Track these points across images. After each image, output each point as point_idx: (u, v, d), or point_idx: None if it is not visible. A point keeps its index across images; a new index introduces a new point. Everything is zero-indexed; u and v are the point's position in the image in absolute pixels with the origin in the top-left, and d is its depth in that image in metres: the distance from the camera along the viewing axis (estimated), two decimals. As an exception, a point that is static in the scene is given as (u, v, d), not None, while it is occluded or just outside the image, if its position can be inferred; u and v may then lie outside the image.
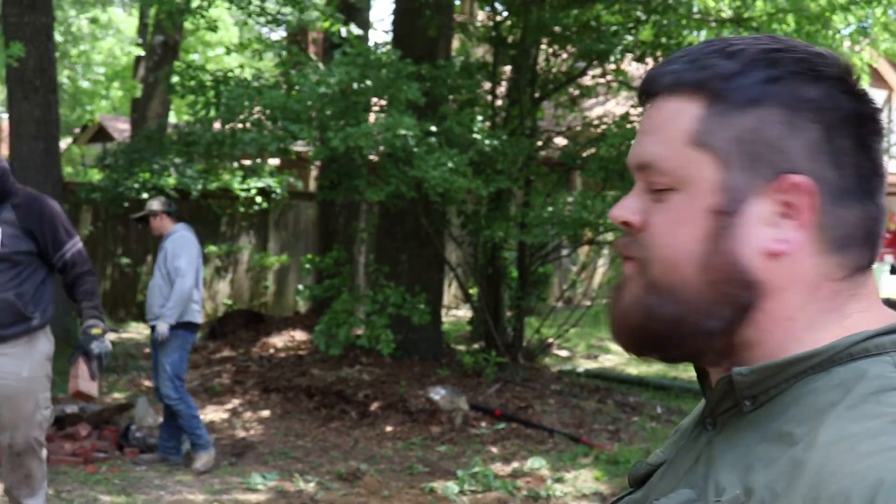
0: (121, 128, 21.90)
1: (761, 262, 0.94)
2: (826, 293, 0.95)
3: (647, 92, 1.01)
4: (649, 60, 9.62)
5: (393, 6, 10.33)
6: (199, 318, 7.07)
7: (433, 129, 8.44)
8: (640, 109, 10.02)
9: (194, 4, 9.84)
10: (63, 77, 21.22)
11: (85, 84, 23.41)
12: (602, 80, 10.50)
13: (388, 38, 10.60)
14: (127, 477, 6.76)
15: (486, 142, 8.81)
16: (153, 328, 6.93)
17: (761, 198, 0.94)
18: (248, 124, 8.78)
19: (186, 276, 6.77)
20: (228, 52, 11.97)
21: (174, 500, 6.20)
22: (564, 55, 10.25)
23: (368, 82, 8.16)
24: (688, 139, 0.97)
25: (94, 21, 22.91)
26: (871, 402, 0.86)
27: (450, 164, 8.03)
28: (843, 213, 0.94)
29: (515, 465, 7.28)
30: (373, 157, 8.75)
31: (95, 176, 13.03)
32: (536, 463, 7.22)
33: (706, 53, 0.98)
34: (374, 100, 8.78)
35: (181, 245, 6.89)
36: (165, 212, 7.00)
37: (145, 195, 12.12)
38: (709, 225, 0.95)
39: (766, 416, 0.92)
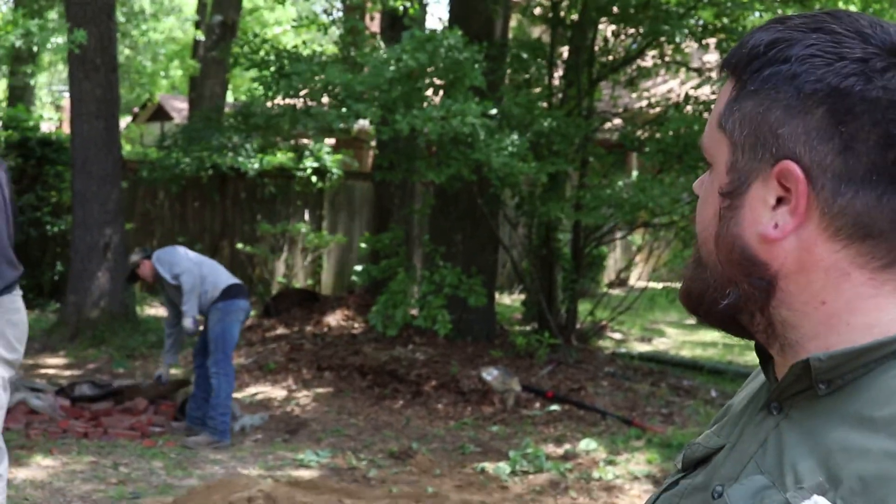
0: (179, 107, 22.11)
1: (761, 245, 0.95)
2: (862, 280, 0.93)
3: (721, 71, 1.04)
4: (710, 42, 9.49)
5: (450, -14, 10.29)
6: (235, 281, 7.26)
7: (493, 111, 8.41)
8: (699, 91, 9.94)
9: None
10: (123, 57, 21.44)
11: (146, 63, 23.64)
12: (660, 62, 10.38)
13: (445, 17, 10.56)
14: (183, 451, 6.85)
15: (544, 122, 8.76)
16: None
17: (762, 182, 0.95)
18: (310, 100, 8.81)
19: (184, 271, 7.01)
20: (294, 26, 11.96)
21: (229, 475, 6.28)
22: (623, 36, 10.15)
23: (432, 68, 8.14)
24: (717, 120, 0.99)
25: (155, 2, 23.13)
26: None
27: (510, 149, 8.00)
28: (851, 201, 0.91)
29: (567, 446, 7.26)
30: (432, 143, 8.74)
31: (154, 155, 13.17)
32: (589, 445, 7.19)
33: (752, 34, 0.98)
34: (438, 81, 8.77)
35: (163, 259, 7.13)
36: (145, 258, 7.24)
37: (202, 173, 12.25)
38: (719, 205, 0.98)
39: (843, 401, 0.90)
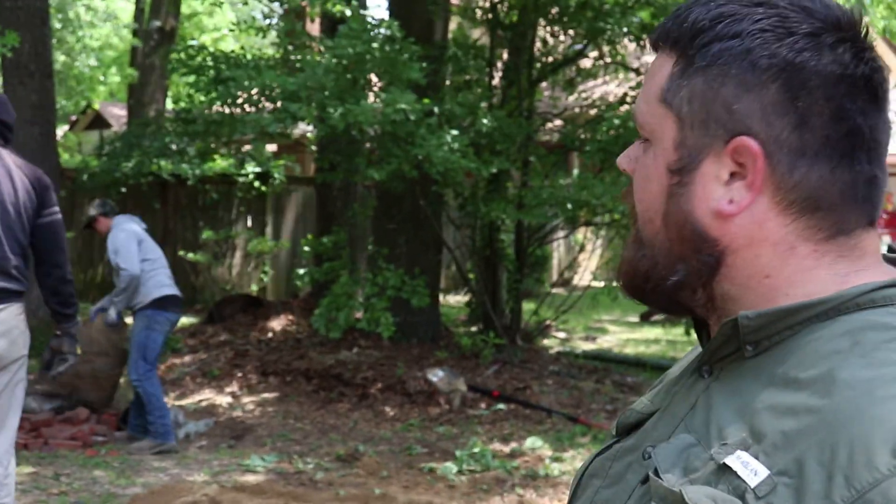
0: (118, 114, 21.85)
1: (714, 221, 0.95)
2: (806, 253, 0.94)
3: (653, 44, 1.02)
4: (647, 41, 9.59)
5: (390, -12, 10.29)
6: (169, 292, 7.16)
7: (435, 109, 8.43)
8: (637, 91, 10.03)
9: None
10: (60, 64, 21.18)
11: (84, 70, 23.37)
12: (600, 62, 10.48)
13: (385, 18, 10.56)
14: (126, 460, 6.77)
15: (485, 122, 8.80)
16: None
17: (714, 158, 0.94)
18: (247, 105, 8.76)
19: (127, 268, 6.94)
20: (232, 30, 11.88)
21: (173, 482, 6.21)
22: (562, 37, 10.22)
23: (369, 57, 8.12)
24: (659, 95, 0.98)
25: (90, 8, 22.88)
26: (883, 349, 0.86)
27: (450, 145, 8.02)
28: (806, 175, 0.92)
29: (514, 445, 7.30)
30: (371, 137, 8.72)
31: (93, 163, 13.01)
32: (535, 443, 7.23)
33: (689, 8, 0.98)
34: (374, 80, 8.76)
35: (118, 241, 7.05)
36: (102, 213, 7.27)
37: (142, 180, 12.12)
38: (668, 182, 0.98)
39: (769, 362, 0.92)
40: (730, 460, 0.86)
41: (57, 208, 4.44)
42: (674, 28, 0.98)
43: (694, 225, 0.96)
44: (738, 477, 0.85)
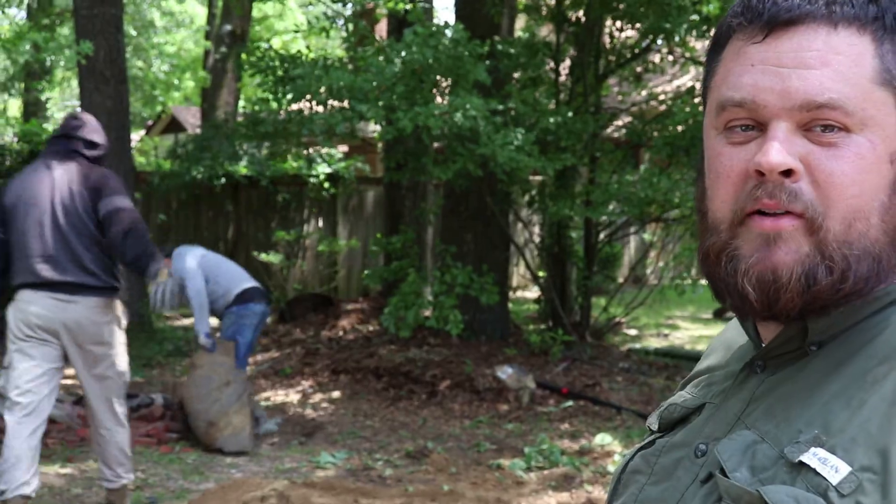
0: (193, 119, 22.22)
1: None
2: None
3: (780, 20, 0.92)
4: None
5: (456, -14, 10.31)
6: (248, 284, 7.24)
7: (499, 107, 8.43)
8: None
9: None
10: (136, 70, 21.59)
11: (159, 75, 23.79)
12: (669, 57, 10.38)
13: (451, 17, 10.60)
14: (199, 456, 6.89)
15: (551, 119, 8.78)
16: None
17: None
18: (315, 104, 8.85)
19: (190, 282, 6.95)
20: (296, 31, 12.05)
21: (245, 479, 6.31)
22: (629, 32, 10.16)
23: (432, 62, 8.15)
24: (874, 77, 0.90)
25: (165, 14, 23.28)
26: None
27: (516, 143, 8.02)
28: None
29: (583, 441, 7.27)
30: (437, 137, 8.76)
31: (166, 166, 13.26)
32: (604, 440, 7.20)
33: None
34: (441, 80, 8.79)
35: (177, 266, 7.05)
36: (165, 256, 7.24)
37: (215, 182, 12.32)
38: (891, 172, 0.90)
39: (835, 356, 0.90)
40: (806, 458, 0.84)
41: (110, 199, 4.96)
42: (864, 5, 0.91)
43: None
44: (818, 474, 0.83)
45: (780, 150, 0.89)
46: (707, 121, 0.99)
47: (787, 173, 0.89)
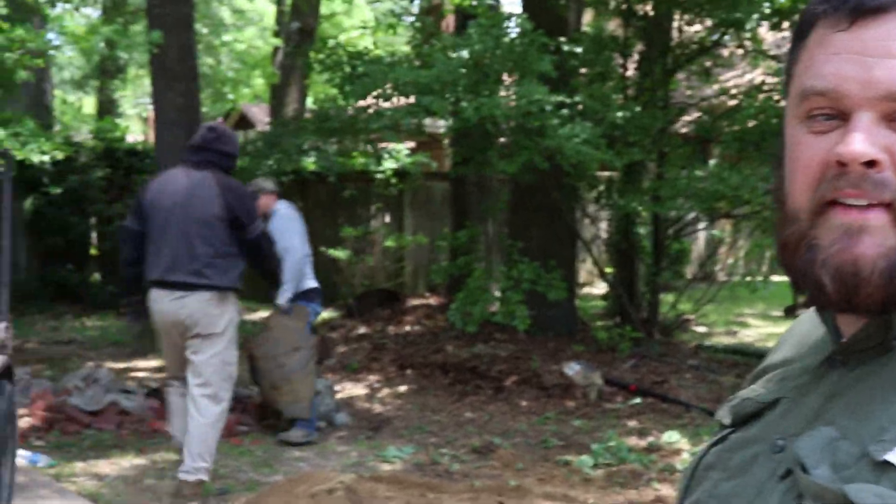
0: (262, 115, 22.44)
1: None
2: None
3: (867, 7, 0.90)
4: (786, 26, 9.34)
5: (522, -19, 10.29)
6: (314, 284, 7.28)
7: (566, 100, 8.39)
8: (775, 78, 9.77)
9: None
10: (206, 67, 21.87)
11: (228, 73, 24.07)
12: (738, 51, 10.25)
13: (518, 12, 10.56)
14: (269, 448, 6.97)
15: (619, 114, 8.72)
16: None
17: None
18: (381, 101, 8.89)
19: (297, 251, 6.98)
20: (363, 27, 12.13)
21: (313, 472, 6.36)
22: (698, 26, 10.04)
23: (499, 52, 8.14)
24: None
25: (235, 11, 23.56)
26: None
27: (583, 136, 7.97)
28: None
29: (651, 439, 7.21)
30: (503, 130, 8.74)
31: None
32: (672, 437, 7.13)
33: None
34: (505, 76, 8.78)
35: (289, 222, 7.09)
36: (272, 192, 7.26)
37: (283, 178, 12.42)
38: None
39: None
40: (891, 456, 0.82)
41: (256, 224, 5.57)
42: None
43: None
44: None
45: (862, 140, 0.87)
46: (788, 109, 0.97)
47: (870, 164, 0.87)
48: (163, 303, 5.45)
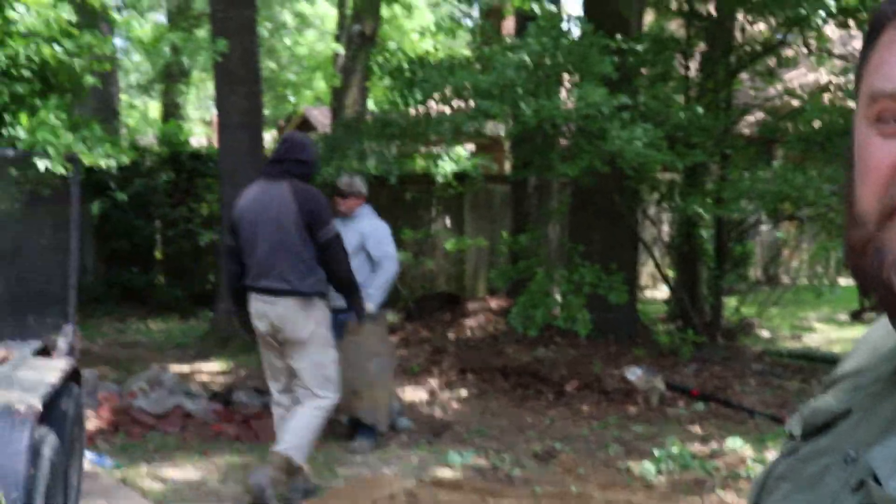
0: (323, 118, 22.58)
1: None
2: None
3: None
4: (852, 24, 9.18)
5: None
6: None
7: (627, 102, 8.33)
8: (841, 78, 9.60)
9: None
10: (268, 71, 22.08)
11: (290, 77, 24.28)
12: (803, 50, 10.09)
13: (580, 13, 10.51)
14: (330, 453, 6.99)
15: (681, 115, 8.63)
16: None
17: None
18: (441, 105, 8.90)
19: (395, 261, 6.95)
20: (423, 34, 12.17)
21: (375, 477, 6.39)
22: (762, 26, 9.91)
23: (560, 55, 8.10)
24: None
25: (297, 15, 23.75)
26: None
27: (644, 139, 7.90)
28: None
29: (714, 445, 7.13)
30: (564, 137, 8.70)
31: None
32: (736, 443, 7.04)
33: None
34: (566, 77, 8.74)
35: (382, 230, 7.01)
36: (361, 194, 7.09)
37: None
38: None
39: None
40: None
41: (327, 228, 5.74)
42: None
43: None
44: None
45: None
46: (858, 110, 0.95)
47: None
48: (255, 305, 5.82)
